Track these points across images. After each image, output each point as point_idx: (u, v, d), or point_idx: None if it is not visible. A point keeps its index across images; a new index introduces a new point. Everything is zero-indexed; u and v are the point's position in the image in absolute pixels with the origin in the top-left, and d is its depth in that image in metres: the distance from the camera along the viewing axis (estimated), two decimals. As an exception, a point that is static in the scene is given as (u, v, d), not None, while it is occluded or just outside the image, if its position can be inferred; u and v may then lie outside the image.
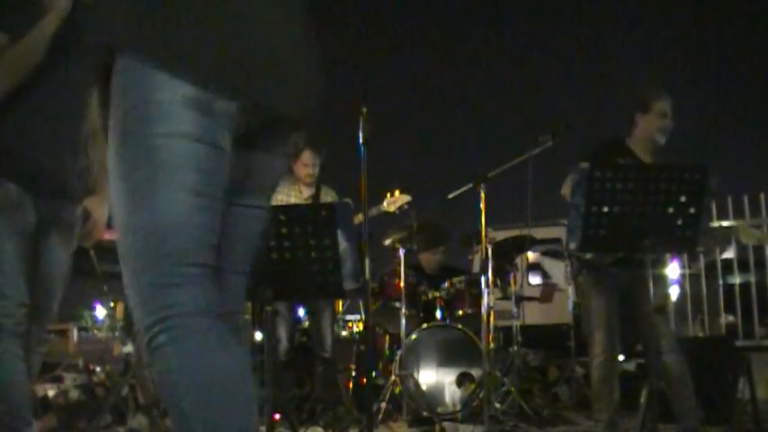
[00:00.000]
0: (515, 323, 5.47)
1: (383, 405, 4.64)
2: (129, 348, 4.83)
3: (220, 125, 1.36)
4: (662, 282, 3.64)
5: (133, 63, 1.33)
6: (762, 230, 6.28)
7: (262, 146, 1.51)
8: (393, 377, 4.74)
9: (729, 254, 6.53)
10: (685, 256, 6.39)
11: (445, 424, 4.54)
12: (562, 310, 7.09)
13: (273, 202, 5.07)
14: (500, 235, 5.73)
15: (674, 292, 6.35)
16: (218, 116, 1.35)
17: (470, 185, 4.72)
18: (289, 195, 4.82)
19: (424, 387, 4.81)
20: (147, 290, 1.31)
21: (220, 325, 1.35)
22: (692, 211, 2.89)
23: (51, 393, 5.13)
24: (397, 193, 4.84)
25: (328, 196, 4.88)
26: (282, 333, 4.73)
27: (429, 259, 5.83)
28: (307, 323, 5.67)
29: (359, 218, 3.75)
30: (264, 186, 1.58)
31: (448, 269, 5.85)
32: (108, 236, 3.75)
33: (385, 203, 4.83)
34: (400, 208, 4.83)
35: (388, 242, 5.24)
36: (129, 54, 1.34)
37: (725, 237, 3.52)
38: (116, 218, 1.36)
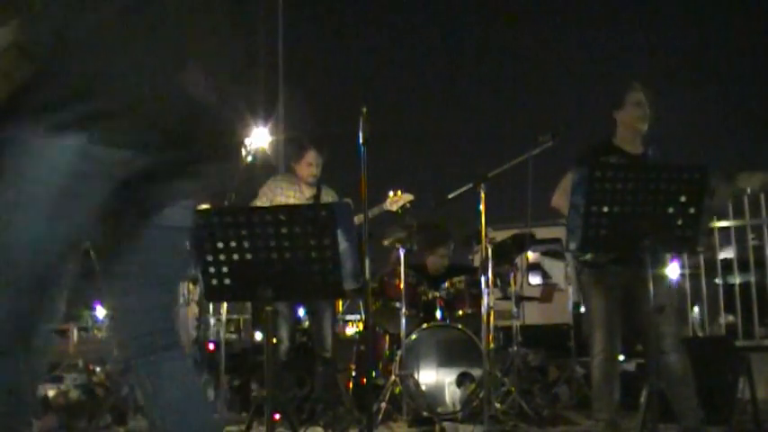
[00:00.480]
0: (515, 323, 5.47)
1: (383, 405, 4.64)
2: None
3: (100, 172, 1.48)
4: (664, 281, 3.63)
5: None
6: (762, 230, 6.28)
7: (161, 177, 1.61)
8: (393, 377, 4.74)
9: (729, 254, 6.53)
10: (685, 256, 6.39)
11: (445, 424, 4.54)
12: (562, 310, 7.09)
13: (274, 203, 5.10)
14: (500, 235, 5.73)
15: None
16: (100, 165, 1.47)
17: (470, 185, 4.72)
18: (288, 196, 4.81)
19: (423, 387, 4.81)
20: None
21: None
22: (691, 211, 2.89)
23: (51, 393, 5.12)
24: (399, 192, 4.85)
25: (329, 197, 4.87)
26: (284, 333, 4.73)
27: (435, 262, 5.84)
28: (307, 323, 5.67)
29: (359, 218, 3.75)
30: (172, 207, 1.69)
31: (454, 268, 5.86)
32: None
33: (387, 202, 4.83)
34: (402, 207, 4.83)
35: (387, 242, 5.24)
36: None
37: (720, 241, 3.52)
38: None
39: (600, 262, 3.65)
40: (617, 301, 3.65)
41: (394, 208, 4.82)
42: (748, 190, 3.40)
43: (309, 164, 4.81)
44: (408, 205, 4.85)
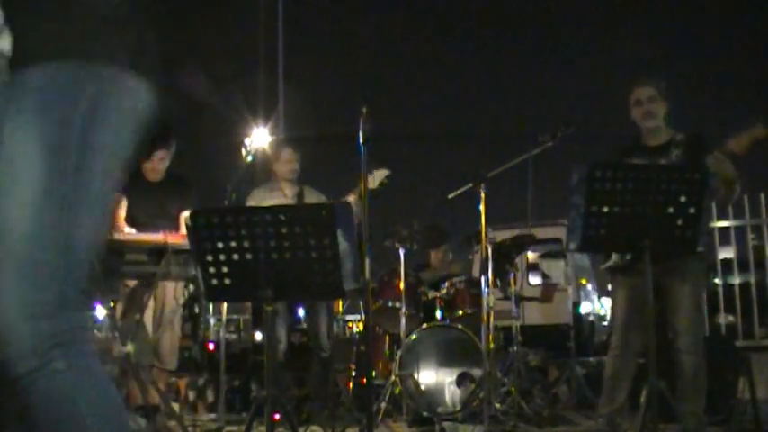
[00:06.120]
0: (515, 323, 5.46)
1: (383, 405, 4.64)
2: (129, 348, 4.83)
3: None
4: (698, 281, 3.62)
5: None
6: (762, 230, 6.29)
7: None
8: (393, 377, 4.74)
9: (729, 254, 6.54)
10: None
11: (445, 424, 4.54)
12: (562, 310, 7.09)
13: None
14: (500, 235, 5.73)
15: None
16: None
17: (470, 185, 4.71)
18: (272, 198, 4.84)
19: (423, 387, 4.81)
20: (50, 308, 1.24)
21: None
22: (691, 211, 2.89)
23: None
24: (374, 171, 4.78)
25: (312, 196, 4.93)
26: (281, 333, 4.74)
27: (437, 257, 5.89)
28: (305, 323, 5.68)
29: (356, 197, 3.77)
30: None
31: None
32: (118, 236, 3.75)
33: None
34: (381, 183, 4.77)
35: (388, 242, 5.24)
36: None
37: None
38: (17, 217, 1.25)
39: (621, 265, 3.65)
40: (640, 302, 3.62)
41: (372, 186, 4.75)
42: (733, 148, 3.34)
43: (288, 161, 4.93)
44: (386, 180, 4.79)
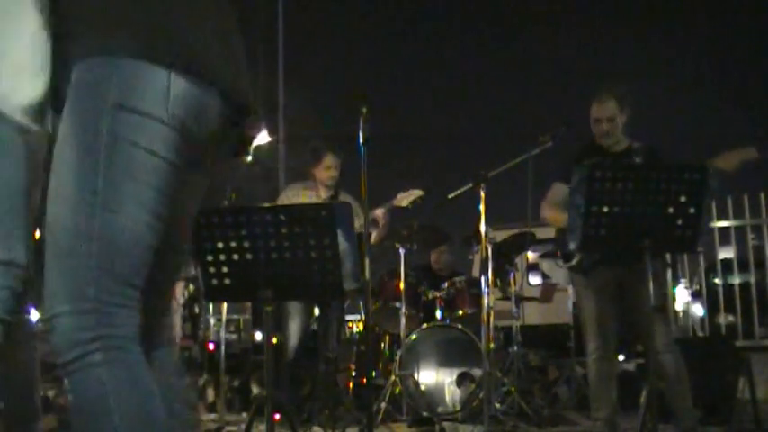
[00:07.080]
0: (515, 323, 5.47)
1: (383, 405, 4.64)
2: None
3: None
4: (662, 281, 3.64)
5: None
6: (762, 230, 6.29)
7: None
8: (393, 377, 4.74)
9: (729, 254, 6.54)
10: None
11: (445, 424, 4.54)
12: (562, 310, 7.08)
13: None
14: (500, 235, 5.73)
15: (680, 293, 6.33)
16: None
17: (470, 185, 4.71)
18: (305, 196, 4.81)
19: (423, 387, 4.81)
20: (91, 303, 1.27)
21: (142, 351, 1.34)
22: (691, 211, 2.89)
23: (51, 393, 5.12)
24: (410, 190, 4.82)
25: (346, 201, 4.88)
26: (294, 332, 4.69)
27: (438, 258, 5.90)
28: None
29: (359, 220, 3.76)
30: None
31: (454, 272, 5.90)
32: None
33: (397, 198, 4.79)
34: (413, 202, 4.80)
35: (388, 242, 5.24)
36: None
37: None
38: (61, 213, 1.32)
39: (586, 266, 3.65)
40: (608, 302, 3.65)
41: (404, 203, 4.78)
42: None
43: (328, 167, 4.84)
44: (420, 200, 4.83)
